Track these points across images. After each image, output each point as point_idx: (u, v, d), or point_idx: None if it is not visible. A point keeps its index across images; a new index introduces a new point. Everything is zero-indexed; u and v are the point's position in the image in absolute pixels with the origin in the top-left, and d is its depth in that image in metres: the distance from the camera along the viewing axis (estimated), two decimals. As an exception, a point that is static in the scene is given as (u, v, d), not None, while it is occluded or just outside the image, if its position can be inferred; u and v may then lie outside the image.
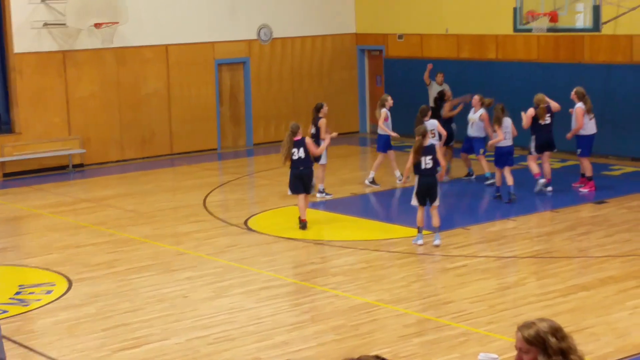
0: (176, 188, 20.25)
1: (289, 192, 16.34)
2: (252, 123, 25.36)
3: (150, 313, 11.75)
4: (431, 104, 20.44)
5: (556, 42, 22.39)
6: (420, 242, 14.51)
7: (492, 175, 18.43)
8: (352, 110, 27.00)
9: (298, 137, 15.94)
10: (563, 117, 18.39)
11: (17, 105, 21.85)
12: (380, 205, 18.73)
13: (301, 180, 15.94)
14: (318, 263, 14.06)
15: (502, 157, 17.62)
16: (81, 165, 22.64)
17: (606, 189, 18.29)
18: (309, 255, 14.54)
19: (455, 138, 19.94)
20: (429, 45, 25.08)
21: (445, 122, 19.29)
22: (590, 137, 18.06)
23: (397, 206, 18.41)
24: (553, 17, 19.95)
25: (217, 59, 24.56)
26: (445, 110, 19.72)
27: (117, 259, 14.39)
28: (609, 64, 21.42)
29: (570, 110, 18.14)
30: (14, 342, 10.80)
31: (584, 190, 18.12)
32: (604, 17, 20.05)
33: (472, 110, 19.11)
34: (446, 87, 22.07)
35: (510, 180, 17.42)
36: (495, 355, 5.61)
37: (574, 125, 18.03)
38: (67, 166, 22.39)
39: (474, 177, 19.65)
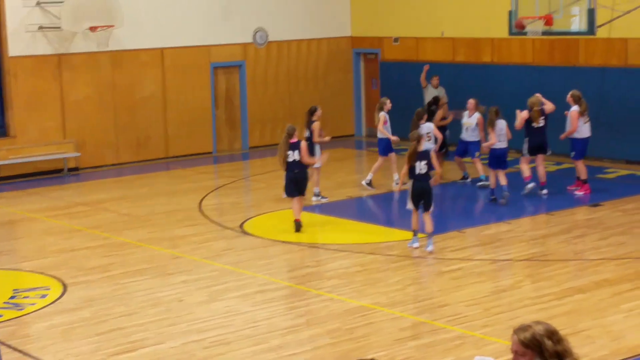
0: (171, 191, 20.23)
1: (284, 195, 16.34)
2: (247, 126, 25.35)
3: (145, 317, 11.73)
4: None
5: (551, 45, 22.42)
6: (415, 245, 14.51)
7: (487, 178, 18.44)
8: (348, 113, 27.01)
9: (294, 140, 15.95)
10: (559, 120, 18.41)
11: (12, 108, 21.82)
12: (376, 209, 18.73)
13: (296, 183, 15.93)
14: (313, 266, 14.05)
15: (496, 159, 17.64)
16: (76, 168, 22.62)
17: (601, 191, 18.31)
18: (305, 259, 14.53)
19: (448, 143, 19.98)
20: (425, 49, 25.10)
21: (439, 127, 19.30)
22: (584, 141, 18.08)
23: (393, 209, 18.40)
24: (548, 21, 19.96)
25: (212, 62, 24.55)
26: (437, 119, 19.74)
27: (112, 263, 14.36)
28: (604, 67, 21.45)
29: (565, 112, 18.16)
30: (9, 346, 10.77)
31: (579, 193, 18.14)
32: (599, 20, 20.06)
33: (466, 114, 19.14)
34: (442, 91, 22.10)
35: (503, 181, 17.46)
36: (490, 359, 5.60)
37: (568, 127, 18.06)
38: (62, 170, 22.36)
39: (469, 180, 19.66)
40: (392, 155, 19.29)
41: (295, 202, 15.94)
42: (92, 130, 22.77)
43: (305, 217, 16.38)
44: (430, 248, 14.30)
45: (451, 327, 10.93)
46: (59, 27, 21.70)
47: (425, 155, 14.32)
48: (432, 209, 14.42)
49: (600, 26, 20.27)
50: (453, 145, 20.06)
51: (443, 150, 19.53)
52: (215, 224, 16.84)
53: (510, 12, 20.51)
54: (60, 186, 21.14)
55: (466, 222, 16.56)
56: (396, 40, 25.81)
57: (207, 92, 24.53)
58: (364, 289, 12.66)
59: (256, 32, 25.12)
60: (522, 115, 17.83)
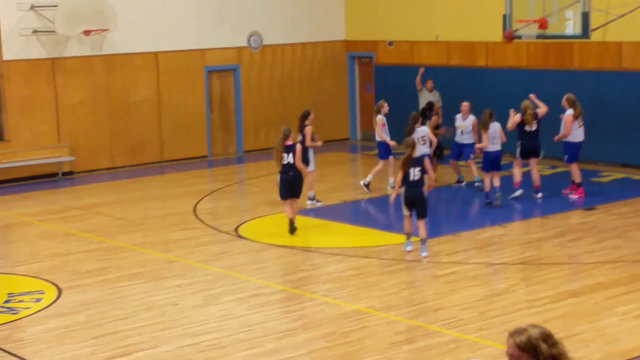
0: (166, 195, 20.22)
1: (279, 198, 16.34)
2: (242, 130, 25.35)
3: (140, 321, 11.72)
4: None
5: (546, 48, 22.45)
6: (408, 248, 14.50)
7: (482, 181, 18.46)
8: (343, 117, 27.02)
9: (289, 142, 15.96)
10: (553, 123, 18.44)
11: (6, 112, 21.80)
12: (371, 213, 18.73)
13: (291, 185, 15.94)
14: (308, 270, 14.05)
15: (491, 162, 17.66)
16: (70, 172, 22.59)
17: (596, 195, 18.34)
18: (299, 263, 14.53)
19: (443, 146, 19.99)
20: (419, 52, 25.12)
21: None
22: (577, 145, 18.10)
23: (388, 213, 18.39)
24: (543, 24, 20.02)
25: (207, 66, 24.55)
26: (432, 126, 19.75)
27: (106, 267, 14.35)
28: (598, 71, 21.48)
29: (561, 116, 18.18)
30: (3, 350, 10.76)
31: (574, 196, 18.16)
32: (593, 24, 20.13)
33: (460, 116, 19.17)
34: (436, 95, 22.13)
35: (497, 182, 17.49)
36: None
37: (562, 131, 18.08)
38: (57, 174, 22.34)
39: (464, 183, 19.68)
40: (391, 158, 19.28)
41: (288, 204, 15.95)
42: (86, 134, 22.75)
43: (300, 221, 16.38)
44: (424, 253, 14.27)
45: (446, 331, 10.93)
46: (53, 31, 21.68)
47: (419, 161, 14.29)
48: (425, 216, 14.34)
49: (594, 30, 20.34)
50: (447, 149, 20.06)
51: (437, 153, 19.55)
52: (210, 228, 16.83)
53: (504, 16, 20.56)
54: (54, 190, 21.12)
55: (461, 226, 16.56)
56: (391, 44, 25.84)
57: (202, 96, 24.53)
58: (359, 292, 12.65)
59: (251, 36, 25.13)
60: (515, 119, 17.85)
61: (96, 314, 12.04)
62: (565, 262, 14.00)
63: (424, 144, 17.91)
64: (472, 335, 10.73)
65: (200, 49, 24.36)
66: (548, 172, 20.60)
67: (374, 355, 10.20)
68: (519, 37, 21.48)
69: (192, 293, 12.84)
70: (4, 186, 21.37)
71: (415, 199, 14.22)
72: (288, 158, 15.90)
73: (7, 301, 12.80)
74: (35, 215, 18.32)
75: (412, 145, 14.35)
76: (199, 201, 19.16)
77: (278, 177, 16.27)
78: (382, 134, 19.06)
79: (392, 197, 14.70)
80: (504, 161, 18.33)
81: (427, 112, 19.97)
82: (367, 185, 19.20)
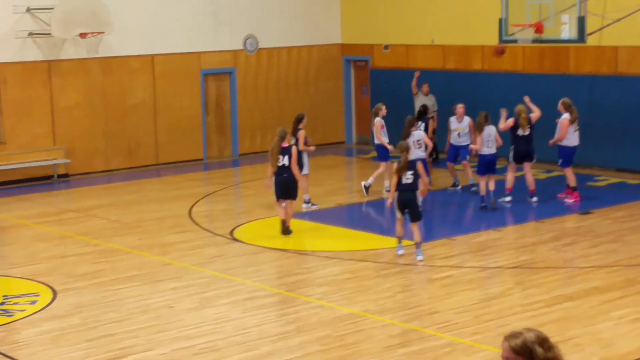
0: (162, 198, 20.20)
1: (276, 199, 16.33)
2: (238, 133, 25.35)
3: (135, 323, 11.71)
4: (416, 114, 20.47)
5: (541, 53, 22.48)
6: (400, 252, 14.48)
7: (478, 186, 18.46)
8: (338, 120, 27.03)
9: (285, 144, 15.99)
10: (548, 128, 18.46)
11: (2, 114, 21.78)
12: (366, 216, 18.73)
13: (285, 187, 15.95)
14: (303, 273, 14.05)
15: (485, 165, 17.67)
16: (66, 175, 22.58)
17: (591, 199, 18.35)
18: (295, 266, 14.52)
19: (438, 150, 20.03)
20: (415, 56, 25.14)
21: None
22: (571, 149, 18.10)
23: (383, 217, 18.39)
24: (538, 28, 20.02)
25: (203, 69, 24.55)
26: (430, 130, 19.78)
27: (102, 270, 14.34)
28: (594, 75, 21.51)
29: (557, 120, 18.19)
30: (-2, 352, 10.75)
31: (569, 200, 18.18)
32: (589, 28, 20.13)
33: (454, 119, 19.19)
34: (432, 99, 22.14)
35: (492, 186, 17.51)
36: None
37: (557, 134, 18.10)
38: (52, 176, 22.32)
39: (459, 187, 19.69)
40: (389, 161, 19.28)
41: (281, 205, 15.96)
42: (82, 136, 22.74)
43: (295, 224, 16.38)
44: (420, 257, 14.26)
45: (441, 335, 10.93)
46: (49, 34, 21.67)
47: (411, 165, 14.26)
48: (418, 220, 14.34)
49: (590, 34, 20.34)
50: (443, 153, 20.08)
51: (433, 156, 19.57)
52: (205, 231, 16.82)
53: (500, 20, 20.56)
54: (50, 192, 21.10)
55: (456, 230, 16.57)
56: (386, 47, 25.85)
57: (198, 99, 24.53)
58: (354, 296, 12.65)
59: (246, 39, 25.13)
60: (507, 123, 17.87)
61: (91, 317, 12.03)
62: (560, 266, 14.01)
63: (420, 147, 17.92)
64: (467, 339, 10.73)
65: (196, 52, 24.37)
66: (543, 176, 20.62)
67: (369, 359, 10.20)
68: (514, 41, 21.48)
69: (187, 296, 12.84)
70: (-1, 188, 21.37)
71: (407, 203, 14.21)
72: (284, 160, 15.92)
73: (2, 303, 12.78)
74: (31, 218, 18.31)
75: (406, 150, 14.35)
76: (194, 204, 19.15)
77: (267, 180, 16.31)
78: (380, 136, 19.07)
79: (389, 202, 14.62)
80: (499, 165, 18.34)
81: (422, 116, 19.99)
82: (367, 188, 19.16)
